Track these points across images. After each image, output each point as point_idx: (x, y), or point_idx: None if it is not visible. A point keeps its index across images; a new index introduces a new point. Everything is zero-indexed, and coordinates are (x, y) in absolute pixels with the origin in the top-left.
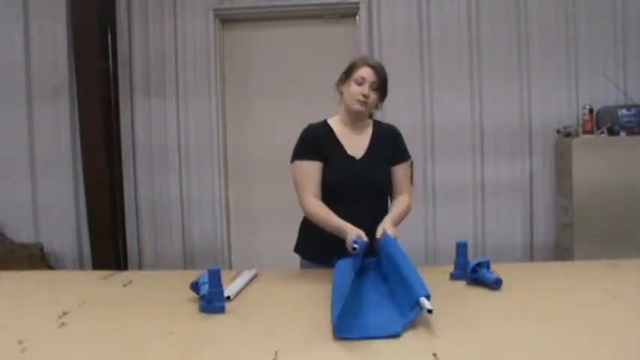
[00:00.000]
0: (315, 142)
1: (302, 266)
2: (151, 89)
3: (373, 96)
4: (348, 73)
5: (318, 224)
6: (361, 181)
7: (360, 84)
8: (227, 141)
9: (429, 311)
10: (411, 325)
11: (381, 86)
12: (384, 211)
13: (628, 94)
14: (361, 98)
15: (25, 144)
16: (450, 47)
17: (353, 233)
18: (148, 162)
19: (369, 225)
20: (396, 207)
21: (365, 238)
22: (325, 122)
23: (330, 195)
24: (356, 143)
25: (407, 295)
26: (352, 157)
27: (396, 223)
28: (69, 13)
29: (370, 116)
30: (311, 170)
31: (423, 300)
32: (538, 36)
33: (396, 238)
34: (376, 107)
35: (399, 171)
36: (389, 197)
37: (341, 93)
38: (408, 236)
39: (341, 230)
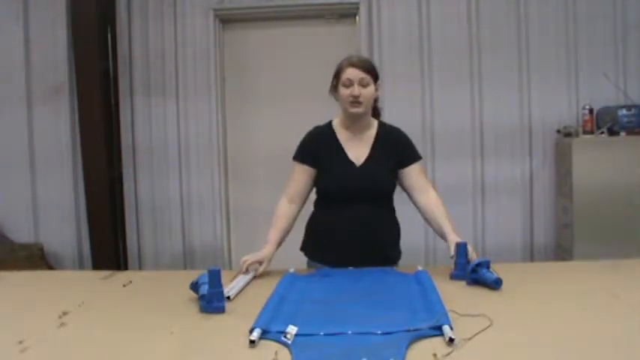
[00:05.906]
0: (313, 147)
1: (309, 267)
2: (151, 89)
3: (366, 92)
4: (336, 78)
5: None
6: (360, 187)
7: (348, 86)
8: (227, 141)
9: (451, 340)
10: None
11: (371, 79)
12: (387, 213)
13: (628, 94)
14: (351, 99)
15: (25, 144)
16: (450, 47)
17: (244, 260)
18: (147, 162)
19: (370, 227)
20: (438, 211)
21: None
22: (330, 125)
23: (331, 199)
24: (358, 148)
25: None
26: (352, 163)
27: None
28: (69, 13)
29: (377, 115)
30: (298, 174)
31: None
32: (538, 36)
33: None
34: (375, 101)
35: (414, 170)
36: (409, 197)
37: (337, 99)
38: (408, 236)
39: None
